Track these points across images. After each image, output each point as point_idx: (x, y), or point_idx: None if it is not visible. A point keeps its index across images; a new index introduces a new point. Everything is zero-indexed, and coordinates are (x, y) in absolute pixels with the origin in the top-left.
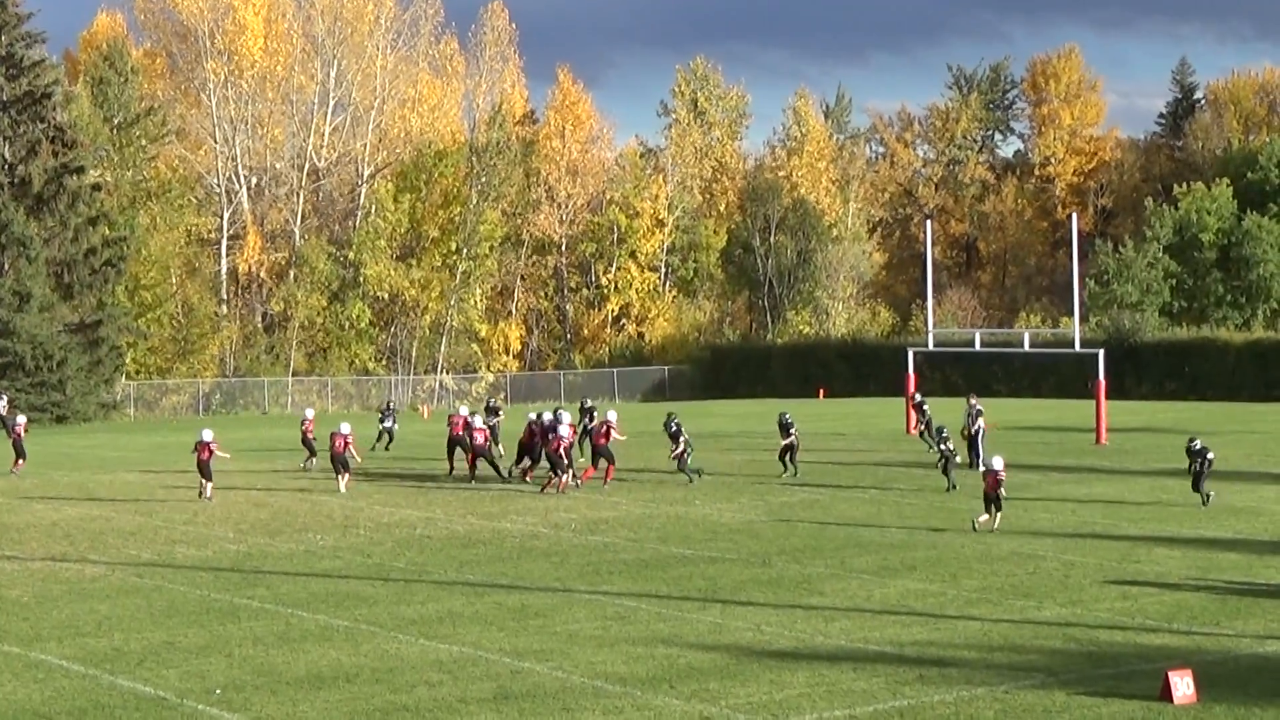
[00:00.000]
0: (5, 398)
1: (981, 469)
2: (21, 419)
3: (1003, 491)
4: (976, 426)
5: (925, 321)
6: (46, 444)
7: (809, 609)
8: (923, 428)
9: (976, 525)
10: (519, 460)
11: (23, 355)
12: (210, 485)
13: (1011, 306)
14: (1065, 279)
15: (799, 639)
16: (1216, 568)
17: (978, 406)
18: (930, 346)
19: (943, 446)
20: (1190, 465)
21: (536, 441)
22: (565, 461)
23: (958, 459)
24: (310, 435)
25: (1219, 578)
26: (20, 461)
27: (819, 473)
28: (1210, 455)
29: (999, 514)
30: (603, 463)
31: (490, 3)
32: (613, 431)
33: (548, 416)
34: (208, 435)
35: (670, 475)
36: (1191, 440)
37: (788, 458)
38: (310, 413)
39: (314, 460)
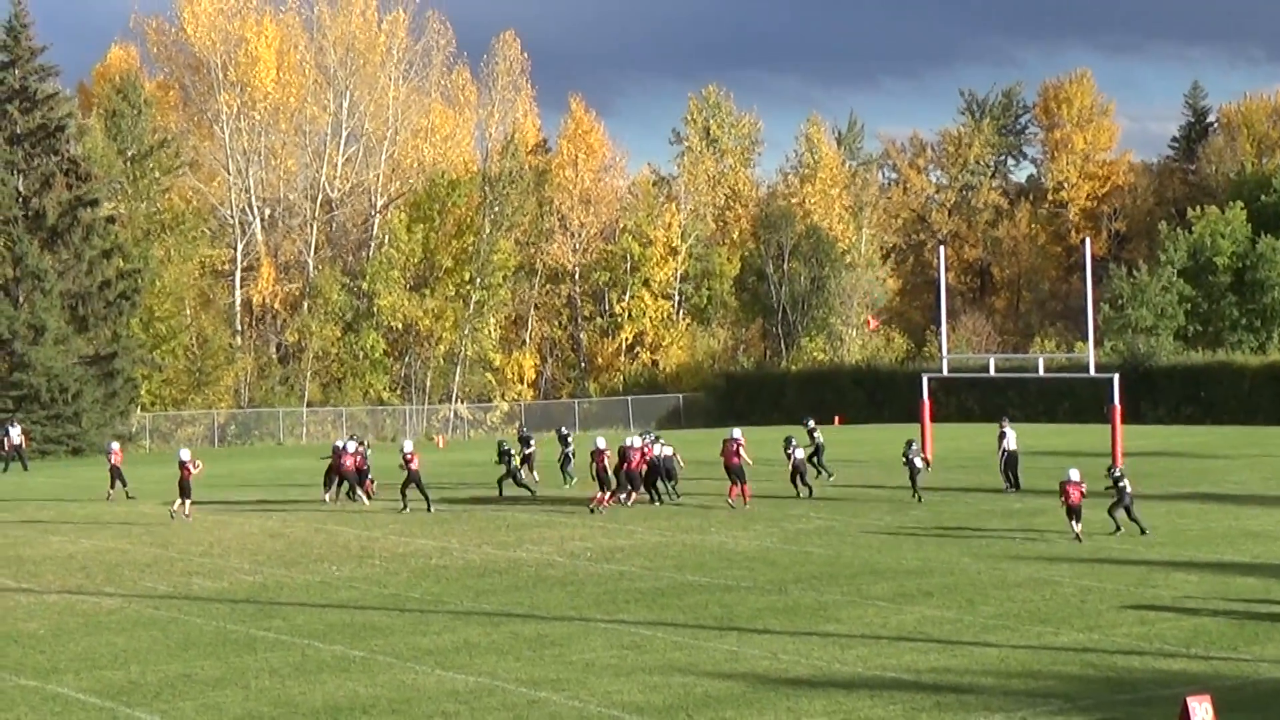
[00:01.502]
0: (19, 428)
1: (1063, 481)
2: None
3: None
4: (1006, 449)
5: (940, 347)
6: (62, 476)
7: (825, 636)
8: (812, 452)
9: (1080, 538)
10: (622, 488)
11: (38, 388)
12: (189, 503)
13: (1026, 332)
14: (1079, 304)
15: (815, 666)
16: (1234, 592)
17: (1006, 430)
18: (945, 372)
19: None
20: (1110, 489)
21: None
22: (636, 482)
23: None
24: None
25: (1237, 602)
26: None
27: (835, 499)
28: (1125, 483)
29: (1078, 523)
30: (736, 482)
31: (502, 33)
32: (742, 450)
33: (635, 441)
34: (185, 455)
35: (687, 503)
36: (1111, 468)
37: (799, 479)
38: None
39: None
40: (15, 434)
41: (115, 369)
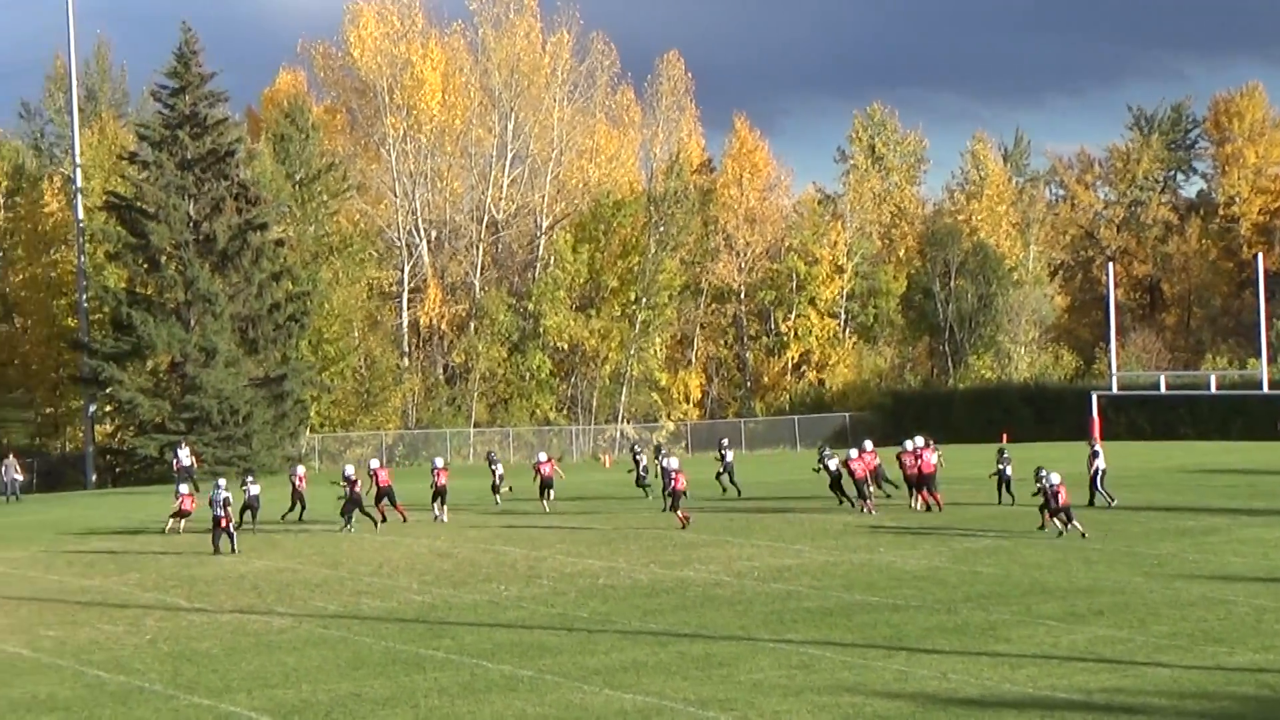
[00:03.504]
0: (188, 449)
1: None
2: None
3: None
4: (1095, 468)
5: (1109, 365)
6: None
7: (995, 656)
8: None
9: (1063, 533)
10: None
11: (209, 410)
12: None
13: (1197, 348)
14: (1252, 320)
15: (985, 687)
16: None
17: (1097, 449)
18: (1114, 390)
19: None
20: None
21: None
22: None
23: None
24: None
25: None
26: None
27: (1002, 518)
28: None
29: (1058, 521)
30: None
31: (666, 53)
32: (926, 455)
33: (673, 462)
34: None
35: (855, 521)
36: (1039, 469)
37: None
38: (543, 455)
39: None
40: (184, 455)
41: (285, 391)
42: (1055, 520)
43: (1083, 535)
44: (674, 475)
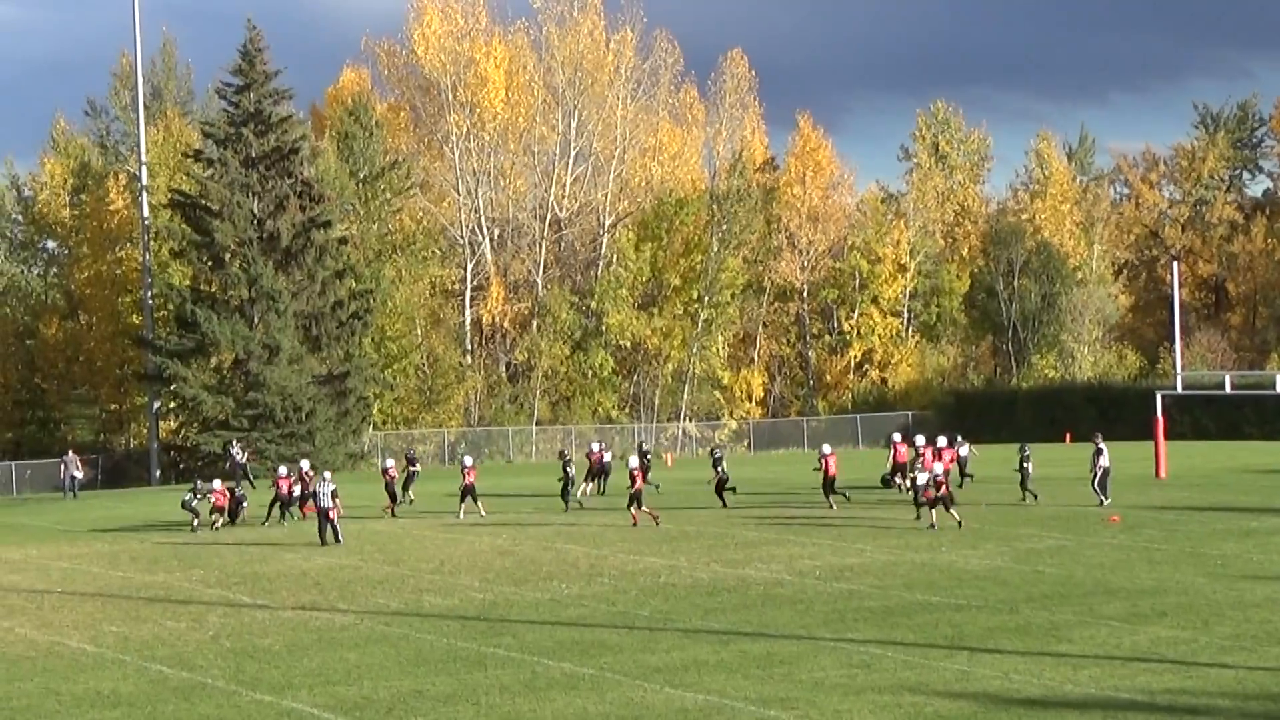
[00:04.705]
0: (238, 445)
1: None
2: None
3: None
4: (1101, 466)
5: (1173, 364)
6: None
7: (1057, 656)
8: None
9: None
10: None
11: (273, 407)
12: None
13: (1262, 348)
14: None
15: (1048, 687)
16: None
17: (1101, 446)
18: (1179, 389)
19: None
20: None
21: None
22: None
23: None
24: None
25: None
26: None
27: (1065, 518)
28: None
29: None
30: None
31: (730, 51)
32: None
33: (634, 461)
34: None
35: (914, 522)
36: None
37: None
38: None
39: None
40: (237, 452)
41: (348, 388)
42: (934, 511)
43: (959, 524)
44: (634, 475)
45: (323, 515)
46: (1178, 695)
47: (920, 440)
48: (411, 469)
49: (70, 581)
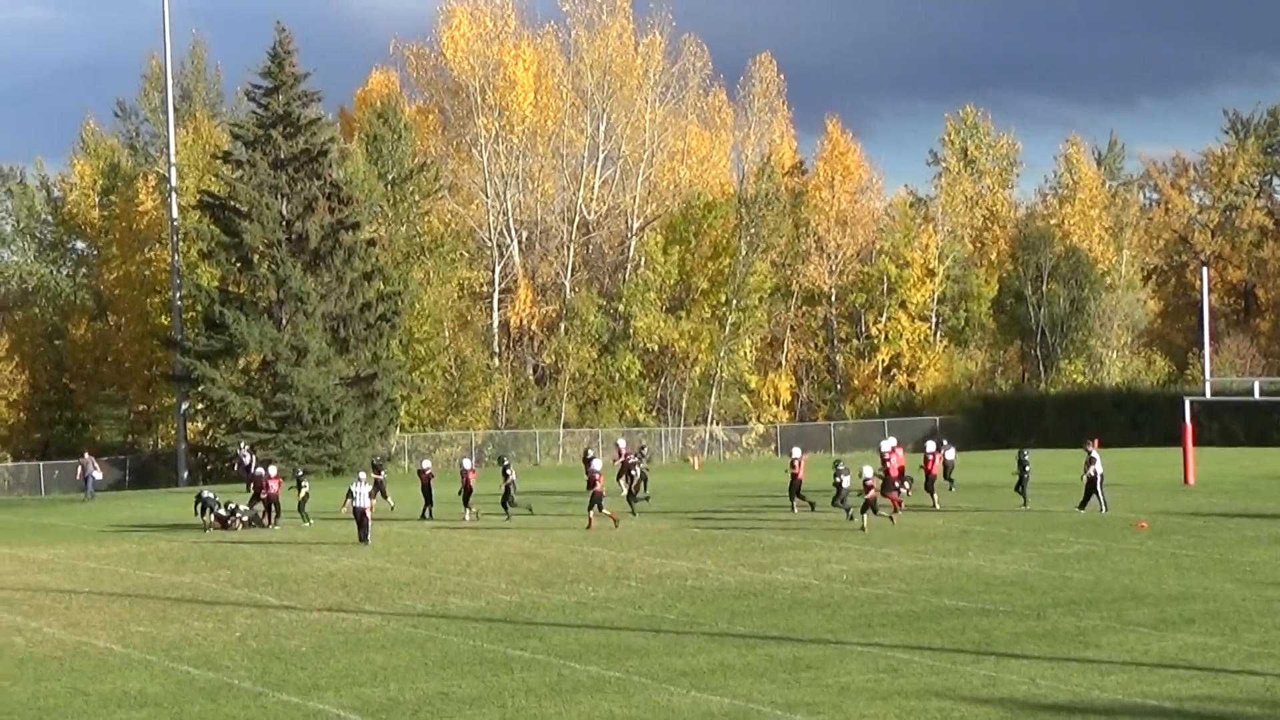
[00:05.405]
0: (245, 446)
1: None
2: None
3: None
4: (1091, 472)
5: (1202, 370)
6: (323, 495)
7: (1085, 662)
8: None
9: (864, 529)
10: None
11: (300, 408)
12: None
13: None
14: None
15: (1075, 693)
16: None
17: (1094, 453)
18: (1208, 395)
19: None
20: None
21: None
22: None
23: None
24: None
25: None
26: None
27: (1093, 523)
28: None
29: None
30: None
31: (758, 55)
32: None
33: (597, 464)
34: (426, 465)
35: (944, 525)
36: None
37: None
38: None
39: None
40: (245, 453)
41: (375, 390)
42: (864, 514)
43: (890, 519)
44: (596, 476)
45: (359, 515)
46: (1205, 702)
47: (885, 446)
48: (378, 476)
49: (98, 582)
